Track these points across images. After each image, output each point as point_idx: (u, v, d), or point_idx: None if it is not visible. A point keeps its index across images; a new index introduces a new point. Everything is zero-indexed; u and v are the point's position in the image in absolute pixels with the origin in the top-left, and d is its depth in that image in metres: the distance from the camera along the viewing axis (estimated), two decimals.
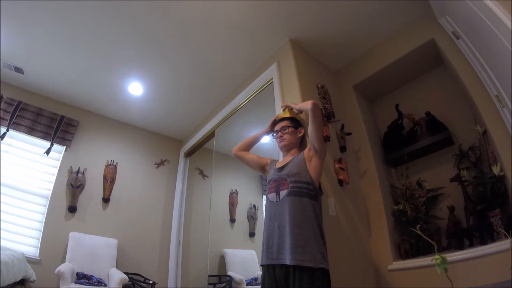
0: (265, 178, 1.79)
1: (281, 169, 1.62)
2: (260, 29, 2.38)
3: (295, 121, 1.83)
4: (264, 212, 1.63)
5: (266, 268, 1.43)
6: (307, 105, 1.61)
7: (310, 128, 1.59)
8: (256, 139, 2.01)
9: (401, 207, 2.09)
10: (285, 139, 1.75)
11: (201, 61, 2.72)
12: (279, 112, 2.13)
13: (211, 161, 3.25)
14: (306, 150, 1.63)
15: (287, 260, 1.33)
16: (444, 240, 1.92)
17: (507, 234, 1.37)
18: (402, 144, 2.34)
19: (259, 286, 1.58)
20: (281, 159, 1.81)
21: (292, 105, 1.90)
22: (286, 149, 1.76)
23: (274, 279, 1.37)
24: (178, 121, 3.70)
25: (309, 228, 1.39)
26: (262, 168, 1.86)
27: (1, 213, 2.56)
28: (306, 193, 1.47)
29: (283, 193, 1.50)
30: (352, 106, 2.56)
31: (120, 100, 3.30)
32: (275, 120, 1.92)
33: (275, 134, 1.82)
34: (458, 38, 1.74)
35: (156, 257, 3.34)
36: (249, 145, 2.00)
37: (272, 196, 1.54)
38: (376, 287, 1.96)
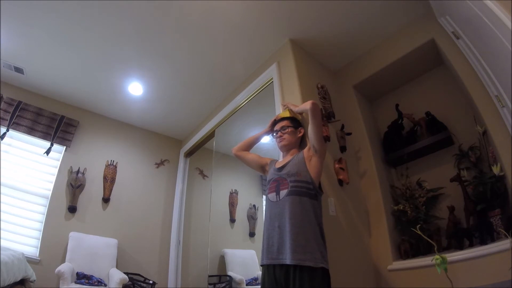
0: (265, 178, 1.79)
1: (281, 168, 1.62)
2: (260, 29, 2.38)
3: (295, 121, 1.83)
4: (264, 212, 1.62)
5: (266, 268, 1.43)
6: (307, 105, 1.62)
7: (310, 128, 1.59)
8: (256, 139, 2.01)
9: (401, 207, 2.09)
10: (284, 139, 1.75)
11: (201, 61, 2.72)
12: (279, 112, 2.13)
13: (211, 161, 3.25)
14: (305, 150, 1.62)
15: (287, 259, 1.33)
16: (444, 240, 1.92)
17: (507, 234, 1.37)
18: (402, 144, 2.34)
19: (259, 286, 1.58)
20: (281, 159, 1.81)
21: (292, 107, 1.90)
22: (285, 149, 1.76)
23: (274, 279, 1.37)
24: (178, 121, 3.70)
25: (309, 228, 1.39)
26: (262, 168, 1.86)
27: (1, 213, 2.56)
28: (306, 193, 1.47)
29: (283, 192, 1.50)
30: (352, 106, 2.56)
31: (120, 100, 3.30)
32: (275, 120, 1.92)
33: (274, 134, 1.82)
34: (458, 38, 1.74)
35: (156, 257, 3.34)
36: (249, 145, 2.00)
37: (272, 196, 1.54)
38: (376, 287, 1.96)
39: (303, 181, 1.50)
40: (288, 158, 1.68)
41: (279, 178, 1.57)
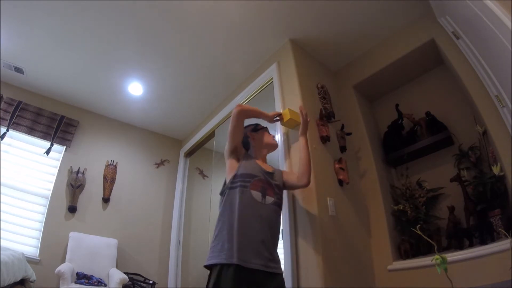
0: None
1: (270, 174, 1.58)
2: (260, 29, 2.38)
3: None
4: (237, 204, 1.42)
5: (235, 268, 1.26)
6: (304, 150, 1.70)
7: (298, 181, 1.65)
8: (257, 115, 1.78)
9: (401, 207, 2.09)
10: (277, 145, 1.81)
11: (201, 61, 2.72)
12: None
13: (211, 161, 3.25)
14: (284, 173, 1.71)
15: (265, 266, 1.31)
16: (444, 240, 1.92)
17: (507, 234, 1.37)
18: (402, 144, 2.34)
19: None
20: (255, 157, 1.69)
21: (304, 114, 1.77)
22: (269, 152, 1.77)
23: (246, 282, 1.26)
24: (178, 121, 3.70)
25: (278, 238, 1.49)
26: (236, 148, 1.62)
27: (1, 213, 2.56)
28: (280, 207, 1.56)
29: (269, 199, 1.47)
30: (352, 106, 2.56)
31: (120, 100, 3.30)
32: (280, 115, 1.88)
33: (269, 132, 1.81)
34: (458, 38, 1.74)
35: (156, 257, 3.34)
36: (252, 116, 1.74)
37: (257, 194, 1.45)
38: (376, 287, 1.96)
39: (281, 196, 1.59)
40: (269, 167, 1.65)
41: (268, 182, 1.52)
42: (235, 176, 1.50)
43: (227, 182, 1.54)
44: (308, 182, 1.63)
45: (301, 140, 1.73)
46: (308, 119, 1.80)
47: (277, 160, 2.15)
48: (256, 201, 1.44)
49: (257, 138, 1.74)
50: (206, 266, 1.35)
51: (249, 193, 1.44)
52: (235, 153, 1.60)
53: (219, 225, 1.43)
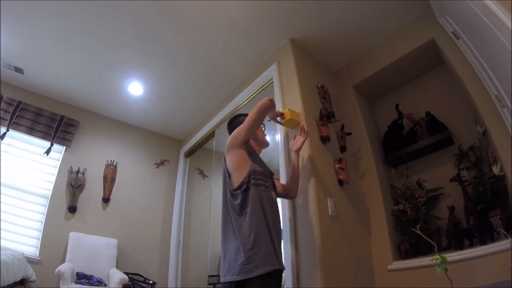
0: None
1: (272, 176, 1.57)
2: (260, 29, 2.38)
3: None
4: (268, 204, 1.36)
5: (278, 272, 1.27)
6: (298, 166, 1.75)
7: (294, 190, 1.72)
8: (270, 111, 1.69)
9: (401, 207, 2.09)
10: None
11: (201, 61, 2.72)
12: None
13: (211, 161, 3.25)
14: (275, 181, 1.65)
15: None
16: (444, 240, 1.92)
17: (507, 234, 1.37)
18: (402, 144, 2.34)
19: None
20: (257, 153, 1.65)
21: (303, 135, 1.82)
22: (262, 149, 1.70)
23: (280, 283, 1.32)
24: (178, 121, 3.70)
25: None
26: (247, 142, 1.49)
27: (1, 213, 2.56)
28: None
29: (277, 200, 1.52)
30: (352, 106, 2.56)
31: (120, 100, 3.30)
32: (282, 114, 1.86)
33: (264, 129, 1.77)
34: (458, 38, 1.74)
35: (156, 257, 3.34)
36: (269, 111, 1.65)
37: (274, 195, 1.47)
38: (376, 287, 1.96)
39: None
40: None
41: (273, 182, 1.54)
42: (254, 173, 1.38)
43: (243, 177, 1.36)
44: (295, 196, 1.74)
45: (295, 156, 1.79)
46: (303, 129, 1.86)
47: (277, 160, 2.15)
48: (275, 202, 1.46)
49: (257, 132, 1.65)
50: (254, 278, 1.17)
51: (270, 194, 1.43)
52: (246, 145, 1.46)
53: (254, 226, 1.25)
